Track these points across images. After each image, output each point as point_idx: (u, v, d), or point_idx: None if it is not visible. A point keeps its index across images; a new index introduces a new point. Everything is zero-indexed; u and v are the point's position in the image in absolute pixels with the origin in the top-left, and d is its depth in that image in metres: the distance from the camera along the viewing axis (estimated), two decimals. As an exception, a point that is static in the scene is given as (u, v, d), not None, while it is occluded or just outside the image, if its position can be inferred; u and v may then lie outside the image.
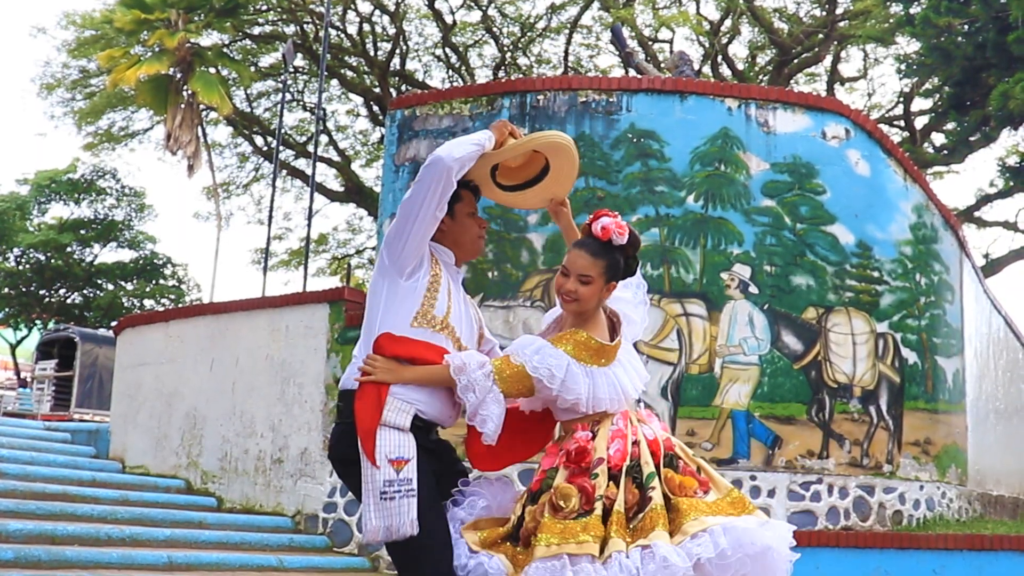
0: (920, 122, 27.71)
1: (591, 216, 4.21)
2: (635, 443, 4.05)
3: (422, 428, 3.99)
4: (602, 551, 3.77)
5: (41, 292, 35.16)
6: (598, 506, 3.87)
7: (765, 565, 3.87)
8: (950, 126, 25.88)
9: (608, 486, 3.91)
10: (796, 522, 9.24)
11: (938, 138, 27.80)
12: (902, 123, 28.03)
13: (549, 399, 4.10)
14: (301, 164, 30.46)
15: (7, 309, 35.12)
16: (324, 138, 29.86)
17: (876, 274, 10.26)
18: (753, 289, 9.75)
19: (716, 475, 4.13)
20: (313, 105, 29.32)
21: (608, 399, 4.09)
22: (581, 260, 4.15)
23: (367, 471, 3.86)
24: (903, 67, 25.79)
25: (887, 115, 28.85)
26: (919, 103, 27.65)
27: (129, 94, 28.03)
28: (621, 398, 4.14)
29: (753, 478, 9.31)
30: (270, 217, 20.73)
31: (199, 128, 27.08)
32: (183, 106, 26.17)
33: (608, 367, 4.12)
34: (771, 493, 9.31)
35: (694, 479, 4.04)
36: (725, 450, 9.39)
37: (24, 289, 34.84)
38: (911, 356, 10.44)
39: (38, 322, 35.54)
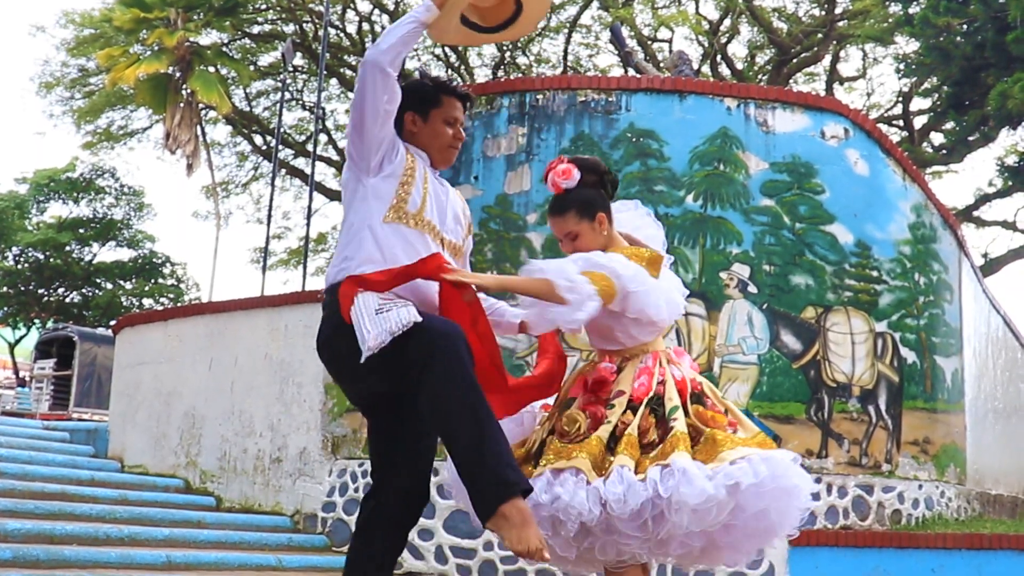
0: (919, 122, 27.73)
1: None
2: (661, 382, 4.01)
3: None
4: (605, 469, 3.77)
5: (40, 291, 35.13)
6: (603, 429, 3.88)
7: (790, 503, 3.85)
8: (949, 126, 25.89)
9: (625, 414, 3.91)
10: (795, 521, 9.22)
11: (937, 138, 27.83)
12: (901, 123, 28.06)
13: (604, 316, 3.99)
14: (300, 163, 30.48)
15: (6, 308, 35.11)
16: (323, 137, 29.87)
17: (875, 273, 10.26)
18: (752, 288, 9.75)
19: (744, 417, 4.10)
20: (312, 104, 29.34)
21: (668, 313, 4.08)
22: (555, 224, 4.22)
23: (357, 308, 3.80)
24: (902, 67, 25.81)
25: (886, 115, 28.87)
26: (918, 103, 27.67)
27: (128, 93, 28.03)
28: (675, 312, 4.13)
29: (752, 477, 9.30)
30: (269, 216, 20.73)
31: (198, 127, 27.08)
32: (182, 105, 26.18)
33: (658, 281, 4.10)
34: (770, 492, 9.29)
35: (723, 417, 4.00)
36: (724, 449, 9.38)
37: (23, 288, 34.81)
38: (910, 355, 10.44)
39: (37, 321, 35.52)
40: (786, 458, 3.84)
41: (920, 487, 10.27)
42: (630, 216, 4.40)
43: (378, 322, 3.72)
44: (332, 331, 3.98)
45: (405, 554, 9.09)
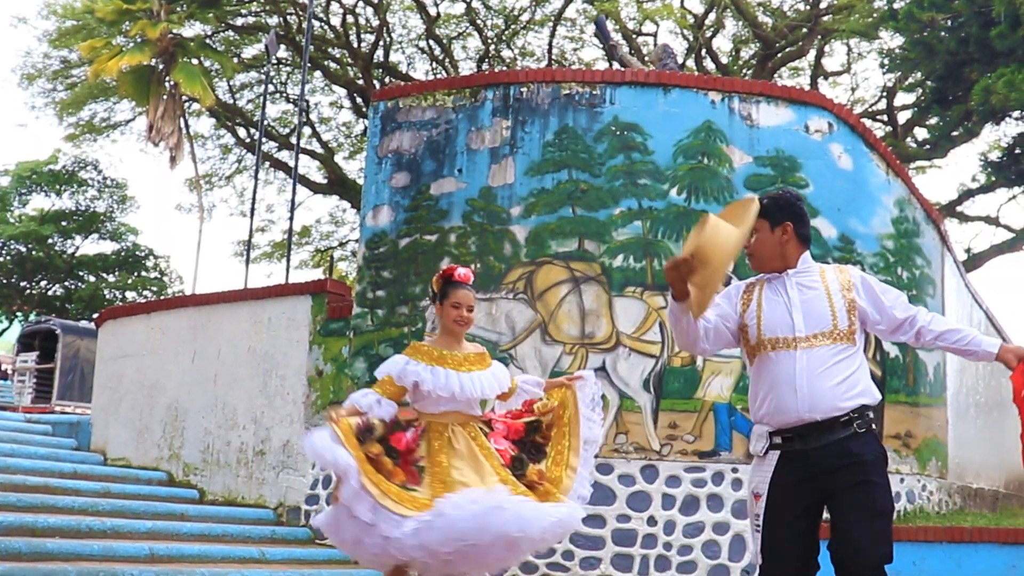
0: (903, 117, 27.82)
1: (448, 269, 5.76)
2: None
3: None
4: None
5: (22, 284, 35.04)
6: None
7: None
8: (933, 121, 25.97)
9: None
10: (777, 515, 9.25)
11: (921, 133, 27.89)
12: (885, 118, 28.13)
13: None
14: (284, 156, 30.38)
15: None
16: (307, 130, 29.82)
17: (858, 267, 10.27)
18: (735, 282, 9.75)
19: (554, 487, 5.58)
20: (296, 97, 29.23)
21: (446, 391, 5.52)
22: (472, 295, 5.73)
23: None
24: (886, 62, 25.89)
25: (870, 109, 28.94)
26: (902, 98, 27.77)
27: (111, 85, 27.92)
28: (454, 393, 5.50)
29: (735, 471, 9.33)
30: (252, 209, 20.65)
31: (181, 119, 26.99)
32: (165, 97, 26.09)
33: (450, 369, 5.54)
34: (753, 486, 9.31)
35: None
36: (707, 443, 9.41)
37: (5, 281, 34.70)
38: (892, 350, 10.47)
39: (19, 314, 35.43)
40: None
41: (902, 481, 10.30)
42: None
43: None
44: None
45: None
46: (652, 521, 9.13)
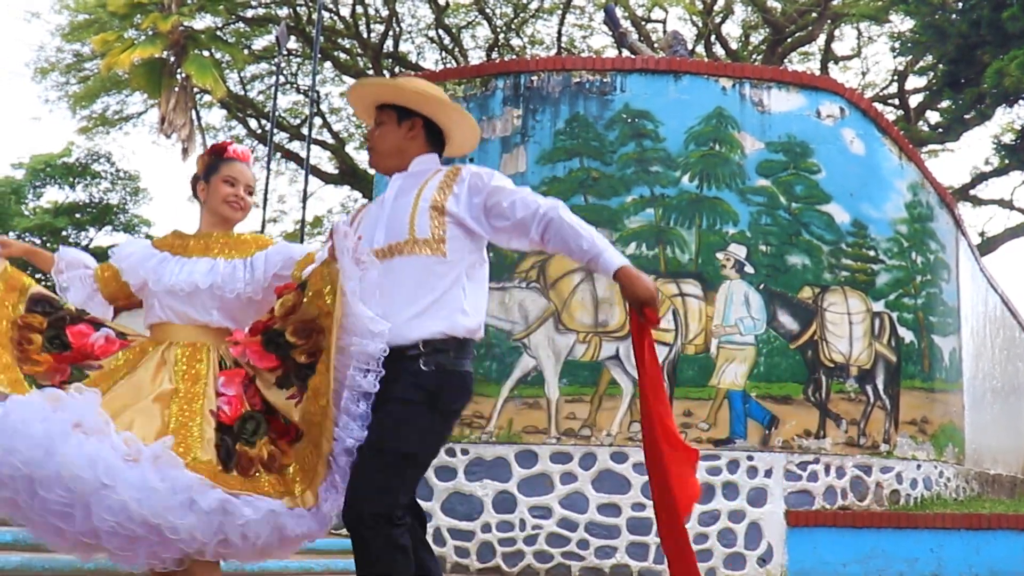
0: (915, 100, 27.67)
1: (220, 143, 4.37)
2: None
3: None
4: None
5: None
6: None
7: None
8: (945, 104, 25.85)
9: None
10: (793, 502, 9.25)
11: (933, 116, 27.74)
12: (896, 102, 27.97)
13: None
14: (295, 147, 30.37)
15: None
16: (318, 120, 29.77)
17: (872, 253, 10.25)
18: (749, 269, 9.73)
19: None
20: (307, 88, 29.22)
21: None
22: (250, 172, 4.33)
23: None
24: (897, 45, 25.77)
25: (881, 94, 28.79)
26: (913, 81, 27.61)
27: (123, 78, 27.91)
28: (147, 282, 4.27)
29: (750, 458, 9.31)
30: (265, 200, 20.64)
31: (193, 111, 26.98)
32: (177, 89, 26.07)
33: (181, 256, 4.22)
34: (768, 473, 9.31)
35: None
36: (722, 430, 9.39)
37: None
38: (907, 335, 10.44)
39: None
40: None
41: (918, 467, 10.27)
42: None
43: None
44: None
45: (403, 537, 9.10)
46: (667, 509, 9.10)
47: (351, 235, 3.77)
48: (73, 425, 3.45)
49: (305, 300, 3.83)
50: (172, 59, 26.16)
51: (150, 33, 25.71)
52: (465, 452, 9.41)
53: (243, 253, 4.17)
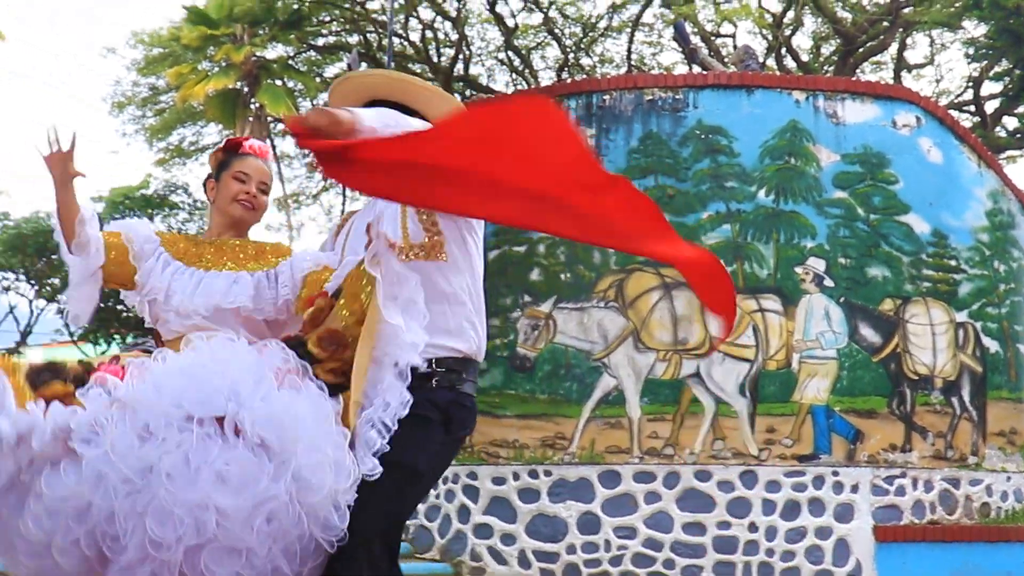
0: (991, 106, 27.27)
1: (235, 138, 4.04)
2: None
3: None
4: None
5: (119, 307, 35.65)
6: None
7: None
8: (1022, 109, 25.48)
9: None
10: (881, 517, 9.14)
11: (1010, 122, 27.34)
12: (972, 108, 27.60)
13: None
14: (368, 172, 30.64)
15: (86, 324, 35.64)
16: (391, 146, 30.00)
17: (953, 263, 10.13)
18: (828, 282, 9.66)
19: None
20: (379, 113, 29.45)
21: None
22: (265, 169, 3.98)
23: None
24: (971, 51, 25.44)
25: (956, 101, 28.42)
26: (989, 87, 27.21)
27: (198, 109, 28.37)
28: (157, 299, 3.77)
29: (835, 473, 9.22)
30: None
31: (268, 140, 27.36)
32: (251, 119, 26.47)
33: (196, 268, 3.78)
34: (854, 488, 9.22)
35: None
36: (806, 446, 9.31)
37: (102, 304, 35.11)
38: (992, 345, 10.29)
39: (116, 336, 36.06)
40: None
41: (1008, 479, 10.11)
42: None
43: None
44: None
45: (488, 559, 9.12)
46: (753, 527, 9.05)
47: (384, 237, 3.52)
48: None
49: (338, 304, 3.54)
50: (246, 89, 26.56)
51: (223, 64, 26.12)
52: (548, 473, 9.41)
53: (263, 264, 3.85)
